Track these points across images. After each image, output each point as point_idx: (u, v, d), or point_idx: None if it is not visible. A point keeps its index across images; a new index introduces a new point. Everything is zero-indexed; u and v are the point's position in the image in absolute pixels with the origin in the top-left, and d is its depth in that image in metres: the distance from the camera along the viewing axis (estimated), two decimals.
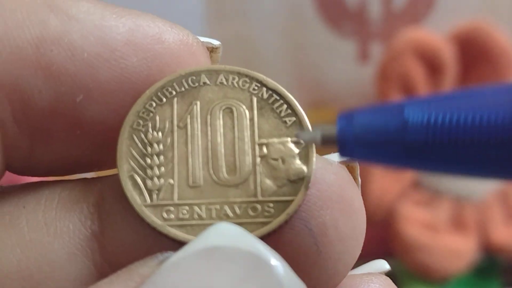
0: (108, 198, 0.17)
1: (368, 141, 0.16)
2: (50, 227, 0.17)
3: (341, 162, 0.17)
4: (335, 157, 0.18)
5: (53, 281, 0.17)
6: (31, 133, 0.17)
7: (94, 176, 0.18)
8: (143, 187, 0.17)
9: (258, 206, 0.17)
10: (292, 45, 0.53)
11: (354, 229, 0.17)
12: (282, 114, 0.17)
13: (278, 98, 0.18)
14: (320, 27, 0.52)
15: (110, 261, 0.17)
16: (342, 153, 0.16)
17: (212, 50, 0.18)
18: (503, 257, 0.49)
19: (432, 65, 0.50)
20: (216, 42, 0.18)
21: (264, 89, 0.18)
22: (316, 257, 0.17)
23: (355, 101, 0.53)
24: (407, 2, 0.52)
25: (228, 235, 0.15)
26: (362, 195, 0.18)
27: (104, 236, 0.17)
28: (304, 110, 0.18)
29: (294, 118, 0.17)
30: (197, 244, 0.15)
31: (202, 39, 0.18)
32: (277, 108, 0.18)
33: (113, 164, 0.17)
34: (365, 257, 0.19)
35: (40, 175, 0.18)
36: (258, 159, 0.17)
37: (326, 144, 0.16)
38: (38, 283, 0.16)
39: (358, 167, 0.18)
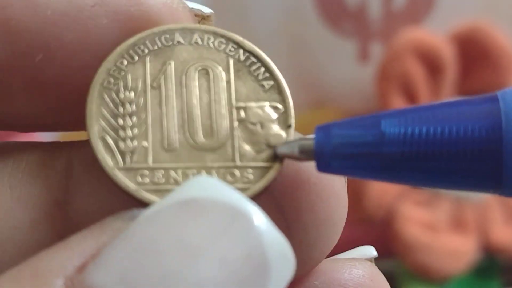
0: (77, 164, 0.16)
1: (345, 153, 0.16)
2: (14, 191, 0.16)
3: None
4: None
5: (13, 245, 0.16)
6: None
7: (66, 138, 0.17)
8: (115, 149, 0.16)
9: (237, 172, 0.16)
10: (292, 45, 0.53)
11: (332, 214, 0.17)
12: (260, 77, 0.17)
13: (255, 60, 0.17)
14: (320, 27, 0.52)
15: (75, 231, 0.16)
16: (320, 166, 0.16)
17: (203, 17, 0.17)
18: (503, 257, 0.49)
19: (432, 65, 0.50)
20: (207, 10, 0.17)
21: (241, 51, 0.17)
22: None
23: (355, 101, 0.53)
24: (407, 2, 0.52)
25: (207, 187, 0.14)
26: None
27: (70, 204, 0.16)
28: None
29: (272, 82, 0.17)
30: (174, 196, 0.14)
31: (191, 5, 0.17)
32: (254, 71, 0.17)
33: (81, 124, 0.16)
34: None
35: (0, 128, 0.17)
36: (235, 123, 0.16)
37: (303, 157, 0.16)
38: None
39: None
